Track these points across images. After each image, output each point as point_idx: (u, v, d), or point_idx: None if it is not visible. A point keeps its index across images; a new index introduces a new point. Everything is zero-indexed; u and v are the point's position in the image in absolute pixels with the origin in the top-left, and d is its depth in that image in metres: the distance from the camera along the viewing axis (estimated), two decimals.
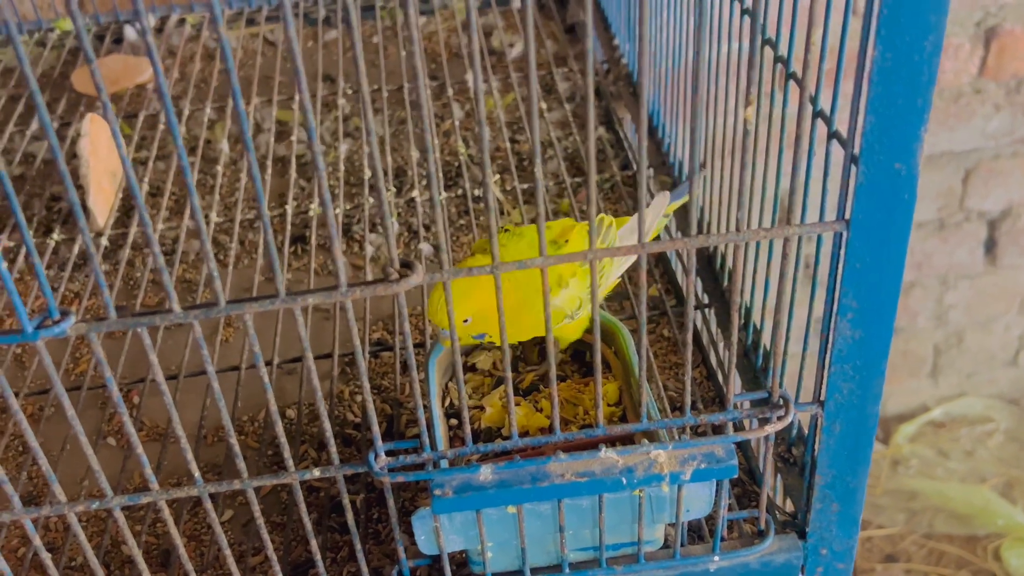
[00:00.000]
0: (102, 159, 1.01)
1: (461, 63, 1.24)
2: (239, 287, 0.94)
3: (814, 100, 0.58)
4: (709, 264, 0.89)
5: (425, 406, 0.69)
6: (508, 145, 1.09)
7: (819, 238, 0.61)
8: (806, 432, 0.70)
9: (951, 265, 1.88)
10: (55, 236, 1.00)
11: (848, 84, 0.56)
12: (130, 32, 1.31)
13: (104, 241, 0.99)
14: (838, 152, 0.56)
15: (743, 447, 0.75)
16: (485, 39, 1.28)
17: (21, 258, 0.97)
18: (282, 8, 0.40)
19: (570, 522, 0.61)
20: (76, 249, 0.98)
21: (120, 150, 0.44)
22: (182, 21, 1.34)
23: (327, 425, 0.55)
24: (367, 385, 0.54)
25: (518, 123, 1.13)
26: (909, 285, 1.88)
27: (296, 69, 0.43)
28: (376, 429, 0.56)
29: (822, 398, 0.59)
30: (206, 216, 1.02)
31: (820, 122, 0.59)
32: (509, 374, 0.55)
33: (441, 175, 1.05)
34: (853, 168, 0.53)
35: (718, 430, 0.76)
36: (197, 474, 0.57)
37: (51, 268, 0.98)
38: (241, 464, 0.57)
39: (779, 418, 0.58)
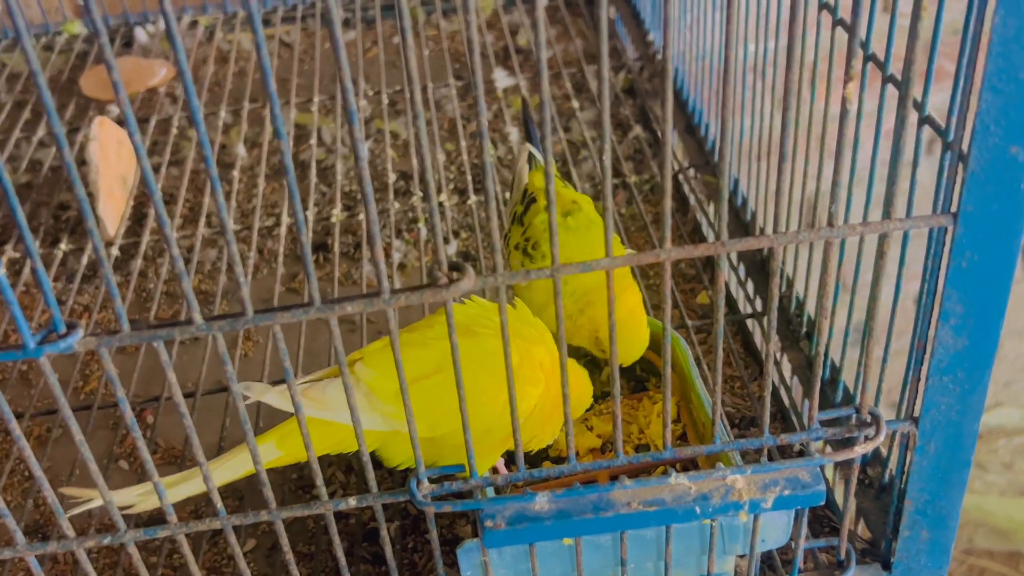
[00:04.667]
0: (112, 164, 0.95)
1: (487, 62, 1.18)
2: (258, 298, 0.88)
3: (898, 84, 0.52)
4: (763, 268, 0.83)
5: None
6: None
7: (905, 235, 0.55)
8: (883, 451, 0.64)
9: None
10: (63, 246, 0.94)
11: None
12: (140, 34, 1.25)
13: (115, 251, 0.93)
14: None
15: None
16: (511, 38, 1.22)
17: (28, 270, 0.92)
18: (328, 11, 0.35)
19: (632, 554, 0.55)
20: (85, 260, 0.93)
21: (142, 160, 0.39)
22: (194, 23, 1.28)
23: (364, 448, 0.49)
24: (409, 405, 0.48)
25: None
26: None
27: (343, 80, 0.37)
28: (419, 453, 0.50)
29: (915, 414, 0.53)
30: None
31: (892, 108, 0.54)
32: (567, 390, 0.49)
33: (470, 178, 0.99)
34: (954, 156, 0.47)
35: (784, 451, 0.70)
36: (219, 505, 0.51)
37: (59, 280, 0.92)
38: (268, 493, 0.51)
39: (868, 438, 0.51)
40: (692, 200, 0.94)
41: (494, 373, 0.60)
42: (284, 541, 0.52)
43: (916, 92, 0.53)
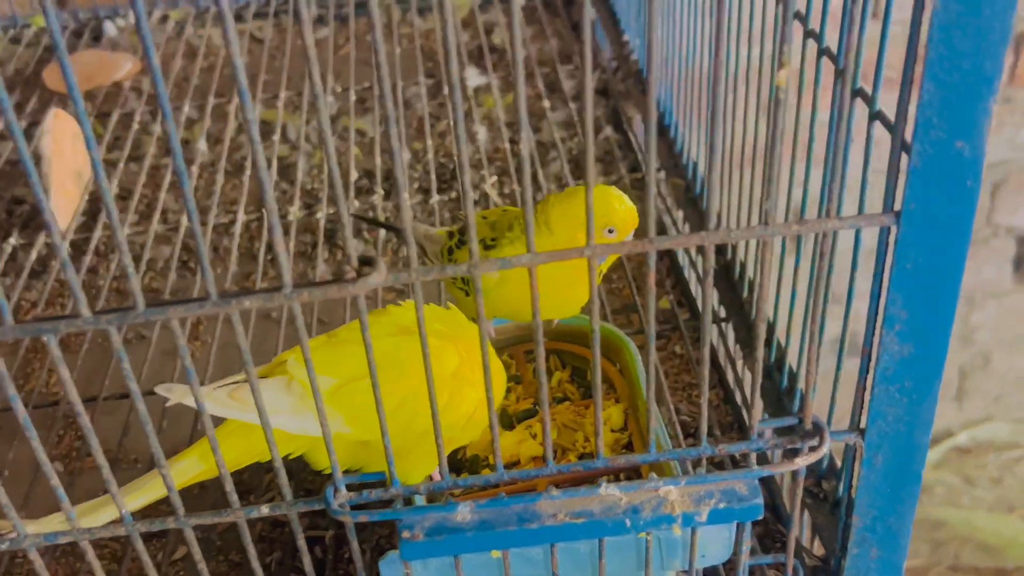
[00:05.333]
0: (66, 158, 0.93)
1: (460, 61, 1.16)
2: None
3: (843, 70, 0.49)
4: (726, 273, 0.80)
5: None
6: (507, 146, 1.00)
7: (857, 236, 0.52)
8: (838, 463, 0.61)
9: (978, 283, 1.79)
10: (12, 240, 0.92)
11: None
12: (109, 28, 1.23)
13: (64, 245, 0.91)
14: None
15: (765, 480, 0.66)
16: (486, 36, 1.20)
17: None
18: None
19: (565, 569, 0.52)
20: (34, 255, 0.90)
21: (92, 151, 0.36)
22: (165, 18, 1.26)
23: (276, 452, 0.47)
24: (322, 407, 0.45)
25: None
26: None
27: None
28: (335, 458, 0.47)
29: (862, 425, 0.50)
30: (177, 219, 0.94)
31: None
32: (492, 393, 0.46)
33: (435, 177, 0.97)
34: (896, 151, 0.45)
35: (738, 462, 0.67)
36: (124, 510, 0.48)
37: (7, 275, 0.90)
38: (175, 498, 0.48)
39: (812, 449, 0.49)
40: (660, 205, 0.92)
41: (435, 374, 0.58)
42: (195, 550, 0.49)
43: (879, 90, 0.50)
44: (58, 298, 0.88)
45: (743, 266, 0.76)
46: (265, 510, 0.49)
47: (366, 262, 0.42)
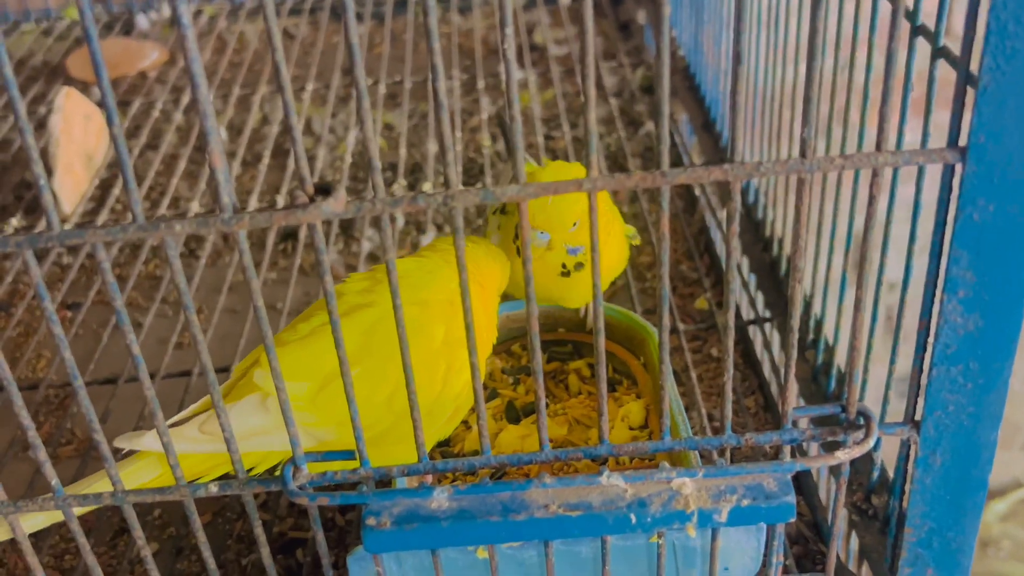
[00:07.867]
0: (75, 139, 0.88)
1: (496, 56, 1.11)
2: (210, 286, 0.80)
3: None
4: (772, 271, 0.73)
5: None
6: (540, 140, 0.94)
7: (920, 176, 0.45)
8: (891, 475, 0.53)
9: None
10: (14, 222, 0.87)
11: None
12: (141, 21, 1.20)
13: (67, 228, 0.86)
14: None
15: (806, 492, 0.58)
16: (527, 35, 1.14)
17: None
18: None
19: (563, 575, 0.45)
20: None
21: (114, 127, 0.31)
22: (199, 12, 1.23)
23: (226, 421, 0.40)
24: (277, 366, 0.39)
25: (555, 120, 0.99)
26: None
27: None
28: (295, 430, 0.41)
29: (917, 417, 0.42)
30: (187, 207, 0.89)
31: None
32: (475, 358, 0.40)
33: (461, 171, 0.91)
34: (962, 73, 0.37)
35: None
36: (54, 481, 0.42)
37: (8, 258, 0.85)
38: (113, 471, 0.42)
39: (856, 443, 0.41)
40: (703, 200, 0.85)
41: (424, 345, 0.51)
42: (136, 529, 0.43)
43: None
44: (58, 282, 0.83)
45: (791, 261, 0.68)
46: (214, 488, 0.42)
47: (323, 189, 0.36)
